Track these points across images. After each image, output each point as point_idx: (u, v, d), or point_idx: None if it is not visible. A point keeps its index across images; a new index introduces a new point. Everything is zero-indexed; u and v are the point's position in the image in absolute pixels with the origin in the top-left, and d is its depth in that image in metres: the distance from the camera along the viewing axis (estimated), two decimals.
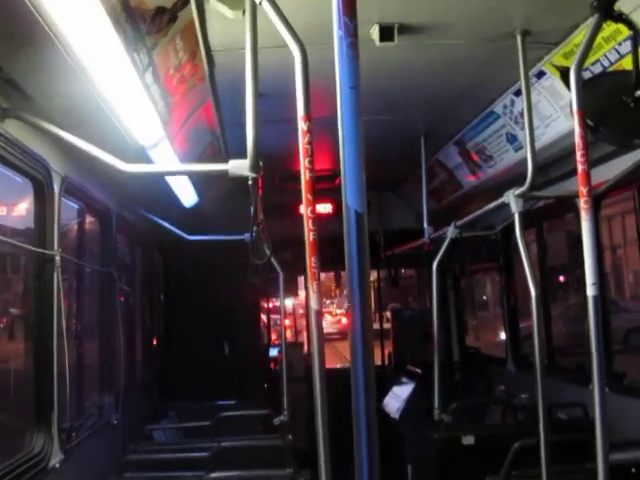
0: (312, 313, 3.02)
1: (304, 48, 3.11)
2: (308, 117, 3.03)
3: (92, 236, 6.90)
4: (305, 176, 2.97)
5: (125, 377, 7.58)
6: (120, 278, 7.33)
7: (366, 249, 2.53)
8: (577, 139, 3.78)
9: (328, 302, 53.85)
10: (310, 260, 2.94)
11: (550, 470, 4.90)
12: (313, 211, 2.96)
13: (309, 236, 2.94)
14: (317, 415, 2.98)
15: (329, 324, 44.18)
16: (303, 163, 2.98)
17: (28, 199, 5.15)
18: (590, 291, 3.73)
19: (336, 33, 2.55)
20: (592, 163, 5.91)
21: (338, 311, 49.02)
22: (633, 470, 4.44)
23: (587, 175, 3.76)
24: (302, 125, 3.01)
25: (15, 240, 5.39)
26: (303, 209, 2.97)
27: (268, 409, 7.95)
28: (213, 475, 5.33)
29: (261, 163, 3.91)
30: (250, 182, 3.99)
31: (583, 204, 3.74)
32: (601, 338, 3.76)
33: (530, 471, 5.14)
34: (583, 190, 3.75)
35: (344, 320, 46.91)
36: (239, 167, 3.88)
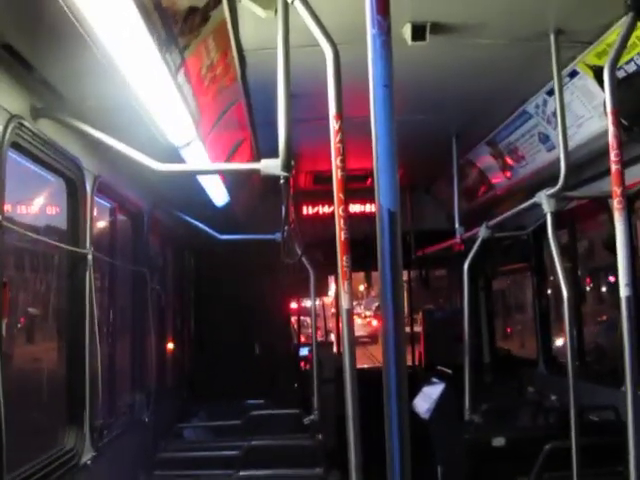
0: (343, 312, 3.02)
1: (336, 47, 3.11)
2: (340, 116, 3.03)
3: (124, 236, 6.95)
4: (337, 175, 2.97)
5: (156, 376, 7.63)
6: (152, 278, 7.38)
7: (399, 248, 2.52)
8: (611, 139, 3.75)
9: (355, 303, 53.38)
10: (342, 259, 2.94)
11: (581, 473, 4.86)
12: (345, 210, 2.96)
13: (341, 235, 2.94)
14: (348, 415, 2.97)
15: (359, 327, 43.58)
16: (335, 162, 2.98)
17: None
18: (623, 292, 3.70)
19: (369, 31, 2.55)
20: (626, 163, 5.89)
21: (367, 313, 48.58)
22: None
23: (621, 175, 3.73)
24: (334, 124, 3.01)
25: (48, 239, 5.45)
26: (335, 209, 2.97)
27: (298, 408, 7.96)
28: (243, 473, 5.34)
29: (293, 163, 3.91)
30: (282, 181, 3.99)
31: (617, 204, 3.71)
32: (634, 339, 3.73)
33: (561, 473, 5.10)
34: (617, 190, 3.72)
35: (374, 322, 46.61)
36: (271, 166, 3.89)
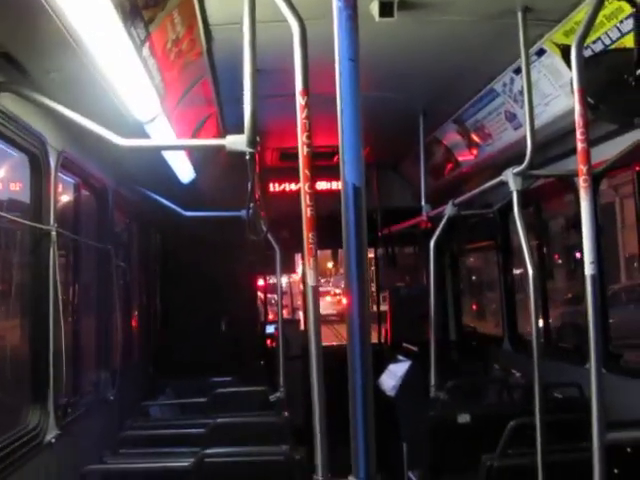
0: (308, 289, 3.01)
1: (303, 22, 3.08)
2: (306, 92, 3.00)
3: (89, 212, 6.88)
4: (303, 151, 2.95)
5: (122, 354, 7.59)
6: (117, 255, 7.32)
7: (364, 224, 2.51)
8: (577, 117, 3.75)
9: (323, 281, 53.51)
10: (307, 236, 2.93)
11: (545, 449, 4.90)
12: (311, 187, 2.95)
13: (306, 212, 2.92)
14: (313, 392, 2.97)
15: (327, 305, 43.53)
16: (301, 139, 2.96)
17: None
18: (588, 270, 3.71)
19: (335, 4, 2.52)
20: (592, 142, 5.91)
21: (337, 291, 48.49)
22: (628, 450, 4.44)
23: (587, 153, 3.73)
24: (300, 100, 2.99)
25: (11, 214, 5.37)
26: (301, 185, 2.95)
27: (265, 386, 7.95)
28: (208, 451, 5.32)
29: (259, 139, 3.88)
30: (247, 157, 3.96)
31: (582, 183, 3.71)
32: (599, 317, 3.75)
33: (526, 450, 5.14)
34: (583, 169, 3.73)
35: (344, 301, 46.36)
36: (236, 142, 3.84)
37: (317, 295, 3.04)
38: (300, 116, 2.98)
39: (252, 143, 3.82)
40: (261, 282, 13.22)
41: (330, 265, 53.97)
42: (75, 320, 6.46)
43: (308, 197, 2.92)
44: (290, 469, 5.26)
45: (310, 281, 2.99)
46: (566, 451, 5.14)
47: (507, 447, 5.34)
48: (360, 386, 2.52)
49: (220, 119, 7.58)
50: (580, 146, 3.74)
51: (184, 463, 5.26)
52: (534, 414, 5.02)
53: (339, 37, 2.53)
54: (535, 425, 4.99)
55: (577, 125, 3.74)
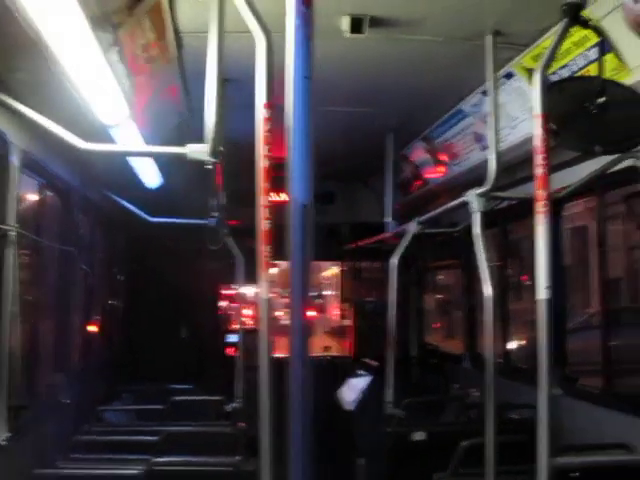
0: (261, 302, 3.00)
1: (269, 34, 3.08)
2: (269, 104, 3.01)
3: (53, 215, 6.82)
4: (262, 164, 2.95)
5: (80, 357, 7.52)
6: (80, 257, 7.26)
7: (310, 242, 2.52)
8: (537, 142, 3.77)
9: (289, 292, 53.32)
10: (262, 249, 2.92)
11: (496, 470, 4.91)
12: (268, 200, 2.94)
13: (262, 225, 2.92)
14: (261, 404, 2.96)
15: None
16: (261, 151, 2.96)
17: None
18: (542, 294, 3.73)
19: (293, 22, 2.53)
20: (561, 165, 5.95)
21: None
22: (573, 475, 4.45)
23: (546, 179, 3.75)
24: (262, 112, 2.99)
25: None
26: (257, 198, 2.95)
27: (225, 395, 7.91)
28: (159, 460, 5.29)
29: (222, 148, 3.87)
30: (210, 167, 3.95)
31: (539, 207, 3.73)
32: (551, 341, 3.76)
33: (477, 470, 5.14)
34: (541, 193, 3.75)
35: (312, 313, 46.38)
36: (198, 152, 3.83)
37: (270, 308, 3.03)
38: (262, 129, 2.98)
39: (214, 153, 3.81)
40: (230, 291, 13.20)
41: None
42: (33, 322, 6.39)
43: (264, 210, 2.92)
44: None
45: (263, 294, 2.98)
46: (516, 473, 5.15)
47: (459, 467, 5.34)
48: (300, 400, 2.52)
49: (190, 127, 7.55)
50: (539, 171, 3.75)
51: (133, 471, 5.22)
52: (485, 434, 5.03)
53: (295, 54, 2.53)
54: (486, 445, 5.00)
55: (536, 150, 3.77)
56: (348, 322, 13.82)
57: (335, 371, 11.75)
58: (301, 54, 2.52)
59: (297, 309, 2.49)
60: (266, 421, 2.95)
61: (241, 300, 9.56)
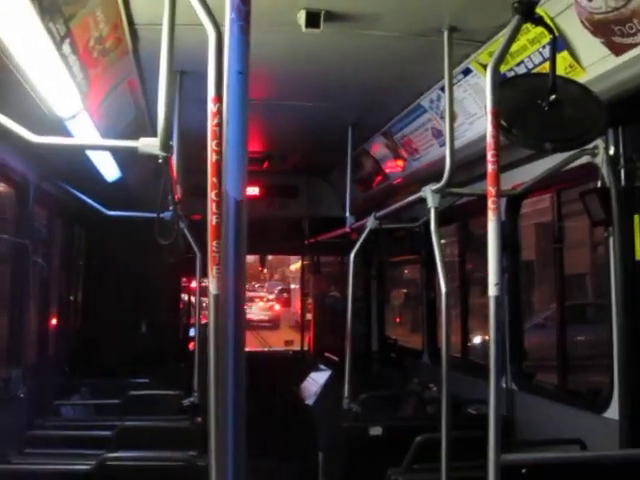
0: (211, 298, 2.97)
1: (219, 27, 3.05)
2: (219, 99, 2.98)
3: (6, 207, 6.76)
4: (212, 159, 2.92)
5: (36, 351, 7.45)
6: (35, 250, 7.19)
7: (244, 238, 2.50)
8: (489, 139, 3.78)
9: (257, 286, 53.28)
10: (211, 244, 2.90)
11: (450, 465, 4.93)
12: (217, 195, 2.92)
13: (212, 220, 2.89)
14: (210, 399, 2.94)
15: (260, 310, 43.32)
16: (210, 145, 2.93)
17: None
18: (492, 291, 3.74)
19: (228, 15, 2.50)
20: (522, 161, 5.98)
21: (270, 296, 48.15)
22: (523, 471, 4.48)
23: (496, 176, 3.77)
24: (212, 107, 2.96)
25: None
26: (208, 193, 2.93)
27: (180, 390, 7.88)
28: (111, 455, 5.25)
29: (172, 142, 3.84)
30: (161, 161, 3.92)
31: (490, 204, 3.74)
32: (500, 337, 3.79)
33: (432, 465, 5.16)
34: (492, 190, 3.76)
35: (277, 307, 46.16)
36: (149, 145, 3.79)
37: (220, 304, 3.00)
38: (211, 123, 2.95)
39: (165, 147, 3.78)
40: (187, 285, 13.16)
41: (265, 271, 53.79)
42: None
43: (214, 205, 2.89)
44: (193, 476, 5.21)
45: (213, 290, 2.95)
46: (471, 468, 5.18)
47: (414, 462, 5.36)
48: (232, 397, 2.51)
49: (148, 120, 7.51)
50: (490, 168, 3.77)
51: (84, 466, 5.18)
52: (440, 429, 5.06)
53: (230, 49, 2.50)
54: (441, 440, 5.02)
55: (488, 147, 3.78)
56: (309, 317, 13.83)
57: (295, 365, 11.79)
58: (235, 49, 2.48)
59: (231, 305, 2.48)
60: (215, 415, 2.93)
61: (202, 294, 9.54)
